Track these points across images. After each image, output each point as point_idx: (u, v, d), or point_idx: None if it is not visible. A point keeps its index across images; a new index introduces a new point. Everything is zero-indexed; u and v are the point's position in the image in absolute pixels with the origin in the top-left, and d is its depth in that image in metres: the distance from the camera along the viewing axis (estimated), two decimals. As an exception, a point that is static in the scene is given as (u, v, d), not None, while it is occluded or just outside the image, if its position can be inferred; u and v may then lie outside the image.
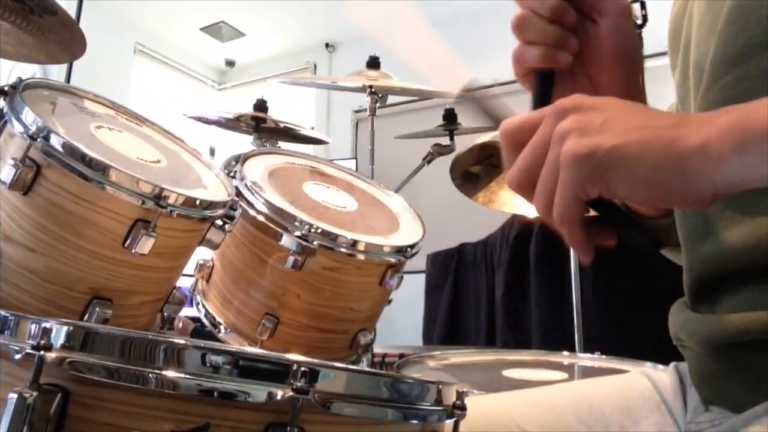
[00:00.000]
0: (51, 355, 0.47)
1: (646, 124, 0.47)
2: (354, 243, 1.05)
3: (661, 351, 0.80)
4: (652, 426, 0.65)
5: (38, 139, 0.83)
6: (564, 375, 1.36)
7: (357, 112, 4.53)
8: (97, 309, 0.87)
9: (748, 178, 0.43)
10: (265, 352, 0.62)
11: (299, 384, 0.47)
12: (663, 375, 0.70)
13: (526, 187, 0.51)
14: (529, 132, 0.51)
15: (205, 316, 1.14)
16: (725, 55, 0.56)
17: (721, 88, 0.56)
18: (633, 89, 0.64)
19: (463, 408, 0.57)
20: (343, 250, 1.05)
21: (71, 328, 0.48)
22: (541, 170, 0.50)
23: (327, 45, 4.86)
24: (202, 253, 1.09)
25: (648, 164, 0.45)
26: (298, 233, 1.03)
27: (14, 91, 0.88)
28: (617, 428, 0.66)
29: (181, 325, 1.66)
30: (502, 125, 0.54)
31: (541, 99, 0.61)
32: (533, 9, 0.60)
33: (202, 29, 4.78)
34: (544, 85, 0.62)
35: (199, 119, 2.48)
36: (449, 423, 0.58)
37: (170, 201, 0.87)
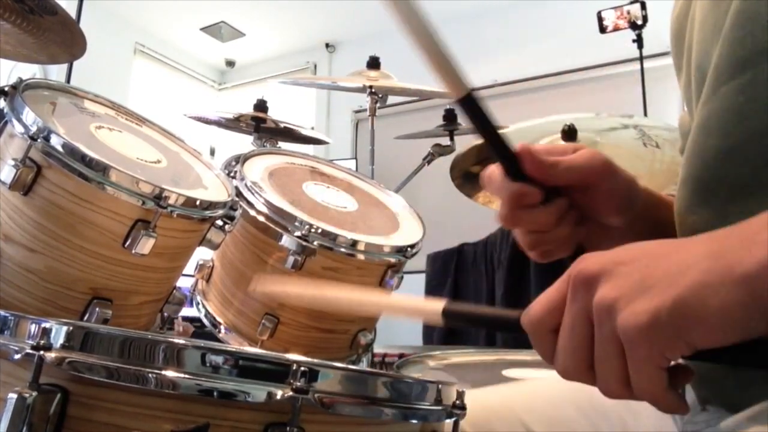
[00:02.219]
0: (51, 355, 0.47)
1: (685, 262, 0.42)
2: (354, 243, 1.05)
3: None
4: (652, 419, 0.65)
5: (38, 140, 0.83)
6: (564, 375, 1.36)
7: (357, 112, 4.54)
8: (97, 309, 0.87)
9: None
10: (264, 352, 0.62)
11: (299, 384, 0.47)
12: None
13: (584, 372, 0.46)
14: (555, 314, 0.47)
15: (205, 316, 1.14)
16: (731, 59, 0.55)
17: (727, 93, 0.55)
18: (642, 213, 0.64)
19: (462, 408, 0.57)
20: (343, 250, 1.05)
21: (71, 328, 0.48)
22: (596, 352, 0.44)
23: (327, 45, 4.86)
24: (202, 253, 1.09)
25: (717, 306, 0.40)
26: (298, 233, 1.03)
27: (14, 92, 0.88)
28: (617, 421, 0.66)
29: (181, 329, 1.66)
30: (524, 317, 0.49)
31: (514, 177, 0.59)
32: (505, 199, 0.59)
33: (202, 29, 4.78)
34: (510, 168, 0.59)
35: (199, 119, 2.48)
36: (449, 423, 0.58)
37: (170, 201, 0.88)
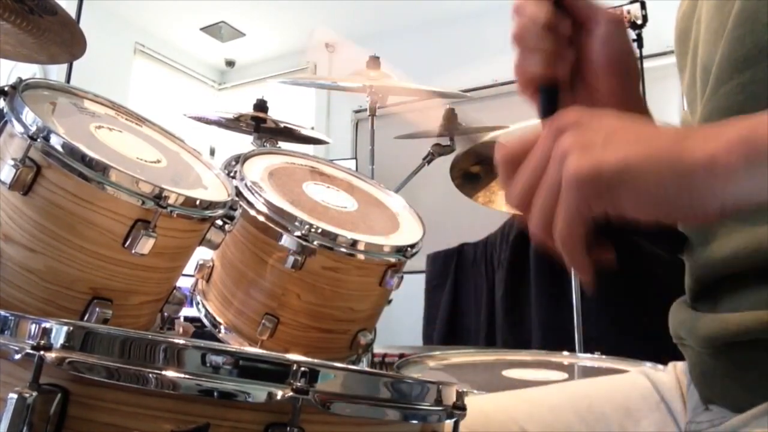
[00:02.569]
0: (51, 355, 0.47)
1: (649, 137, 0.45)
2: (354, 243, 1.05)
3: (661, 351, 0.80)
4: (652, 425, 0.65)
5: (38, 140, 0.83)
6: (564, 375, 1.36)
7: (357, 112, 4.54)
8: (97, 309, 0.87)
9: (756, 194, 0.41)
10: (265, 352, 0.62)
11: (299, 384, 0.47)
12: (662, 374, 0.71)
13: (525, 206, 0.50)
14: (527, 151, 0.50)
15: (205, 316, 1.14)
16: (732, 58, 0.55)
17: (727, 91, 0.55)
18: (631, 99, 0.63)
19: (462, 408, 0.57)
20: (343, 250, 1.05)
21: (71, 328, 0.48)
22: (539, 187, 0.48)
23: (327, 45, 4.86)
24: (202, 253, 1.09)
25: (653, 180, 0.43)
26: (298, 233, 1.03)
27: (14, 92, 0.88)
28: (617, 428, 0.66)
29: (181, 330, 1.66)
30: (499, 144, 0.53)
31: (547, 114, 0.60)
32: (530, 18, 0.60)
33: (202, 29, 4.78)
34: (549, 100, 0.60)
35: (199, 119, 2.48)
36: (449, 423, 0.58)
37: (170, 201, 0.87)
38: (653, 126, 0.49)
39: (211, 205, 0.95)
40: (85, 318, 0.87)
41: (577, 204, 0.45)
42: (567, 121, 0.49)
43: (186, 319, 1.92)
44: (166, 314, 1.04)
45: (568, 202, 0.46)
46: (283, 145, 2.36)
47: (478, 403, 0.69)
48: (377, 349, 1.86)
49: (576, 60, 0.62)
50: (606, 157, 0.44)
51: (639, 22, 2.87)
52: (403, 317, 2.47)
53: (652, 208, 0.44)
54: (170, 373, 0.46)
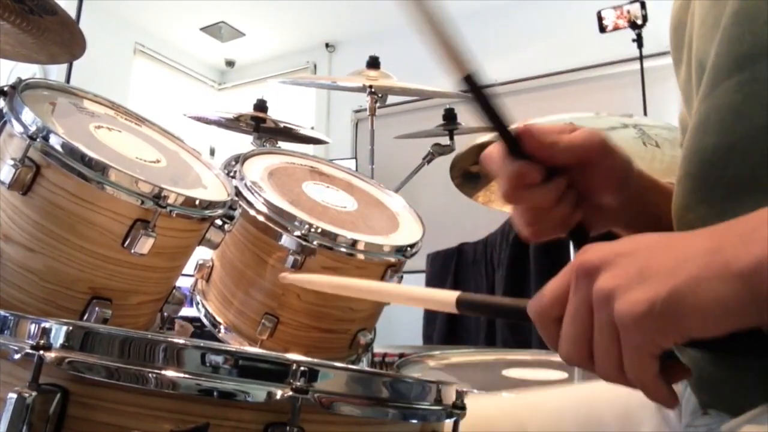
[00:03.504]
0: (50, 355, 0.47)
1: (684, 257, 0.44)
2: (354, 243, 1.05)
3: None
4: (653, 430, 0.65)
5: (38, 140, 0.83)
6: (564, 375, 1.36)
7: (357, 112, 4.54)
8: (97, 309, 0.87)
9: None
10: (264, 351, 0.62)
11: (299, 384, 0.47)
12: None
13: (584, 359, 0.48)
14: (559, 303, 0.48)
15: (205, 315, 1.14)
16: (729, 57, 0.55)
17: (726, 90, 0.55)
18: (636, 195, 0.64)
19: (462, 408, 0.57)
20: (342, 249, 1.05)
21: (71, 327, 0.48)
22: (595, 339, 0.46)
23: (327, 45, 4.86)
24: (201, 253, 1.09)
25: (711, 300, 0.41)
26: (297, 233, 1.03)
27: (14, 92, 0.88)
28: (618, 430, 0.66)
29: (179, 327, 1.66)
30: (530, 306, 0.50)
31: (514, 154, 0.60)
32: (505, 178, 0.60)
33: (202, 29, 4.78)
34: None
35: (199, 119, 2.48)
36: (449, 423, 0.58)
37: (170, 201, 0.87)
38: (679, 238, 0.47)
39: (210, 204, 0.95)
40: (85, 318, 0.87)
41: (642, 343, 0.44)
42: (591, 261, 0.47)
43: (186, 319, 1.92)
44: (165, 314, 1.04)
45: (633, 346, 0.44)
46: (283, 145, 2.36)
47: (478, 405, 0.69)
48: (377, 348, 1.86)
49: (573, 188, 0.62)
50: (654, 291, 0.43)
51: (639, 21, 2.87)
52: (403, 317, 2.47)
53: (719, 326, 0.42)
54: (170, 373, 0.46)
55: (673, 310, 0.42)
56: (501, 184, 0.61)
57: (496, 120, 0.59)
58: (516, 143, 0.59)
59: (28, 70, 2.85)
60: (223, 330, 1.11)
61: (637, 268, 0.44)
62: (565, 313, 0.48)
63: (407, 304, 0.61)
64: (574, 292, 0.47)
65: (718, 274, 0.42)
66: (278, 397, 0.47)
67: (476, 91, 0.58)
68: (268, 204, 1.05)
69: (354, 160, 4.25)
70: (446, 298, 0.56)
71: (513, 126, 0.59)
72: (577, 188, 0.62)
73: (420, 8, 0.58)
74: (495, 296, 0.56)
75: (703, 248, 0.43)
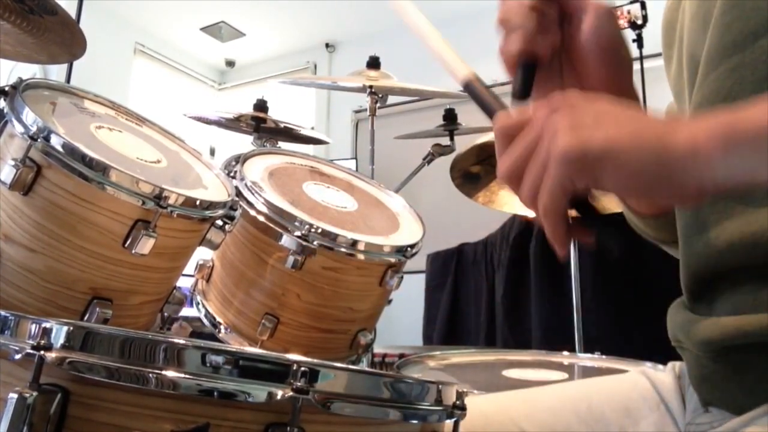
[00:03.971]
0: (51, 355, 0.47)
1: (636, 122, 0.48)
2: (354, 243, 1.05)
3: (661, 351, 0.80)
4: (652, 426, 0.65)
5: (38, 140, 0.83)
6: (564, 375, 1.36)
7: (357, 112, 4.54)
8: (97, 309, 0.87)
9: (734, 178, 0.44)
10: (265, 352, 0.62)
11: (299, 384, 0.47)
12: (662, 375, 0.70)
13: (515, 179, 0.53)
14: (523, 127, 0.53)
15: (205, 316, 1.14)
16: (720, 45, 0.56)
17: (716, 78, 0.56)
18: (624, 89, 0.64)
19: (463, 408, 0.57)
20: (343, 250, 1.05)
21: (71, 328, 0.48)
22: (529, 162, 0.51)
23: (327, 45, 4.86)
24: (202, 253, 1.09)
25: (636, 159, 0.46)
26: (298, 233, 1.03)
27: (14, 92, 0.88)
28: (617, 428, 0.66)
29: (180, 327, 1.66)
30: (497, 119, 0.56)
31: (522, 89, 0.63)
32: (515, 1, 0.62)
33: (202, 29, 4.78)
34: (526, 75, 0.63)
35: (199, 119, 2.48)
36: (449, 423, 0.58)
37: (170, 201, 0.87)
38: (643, 113, 0.51)
39: (211, 205, 0.95)
40: (85, 318, 0.87)
41: (561, 178, 0.48)
42: (561, 101, 0.51)
43: (186, 319, 1.92)
44: (166, 314, 1.04)
45: (553, 175, 0.49)
46: (283, 145, 2.36)
47: (477, 403, 0.69)
48: (377, 349, 1.86)
49: (566, 47, 0.63)
50: (593, 137, 0.47)
51: (639, 22, 2.87)
52: (403, 317, 2.47)
53: (633, 187, 0.48)
54: (170, 373, 0.46)
55: (599, 157, 0.47)
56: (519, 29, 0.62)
57: None
58: None
59: (29, 70, 2.85)
60: (223, 330, 1.11)
61: (591, 115, 0.49)
62: (519, 134, 0.53)
63: (428, 47, 0.66)
64: (534, 120, 0.52)
65: (652, 142, 0.46)
66: (279, 397, 0.47)
67: None
68: (269, 204, 1.05)
69: (354, 161, 4.25)
70: (458, 71, 0.64)
71: None
72: (571, 48, 0.64)
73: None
74: (493, 96, 0.61)
75: (656, 123, 0.48)
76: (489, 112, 0.61)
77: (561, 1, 0.62)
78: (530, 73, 0.63)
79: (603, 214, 0.53)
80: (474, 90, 0.63)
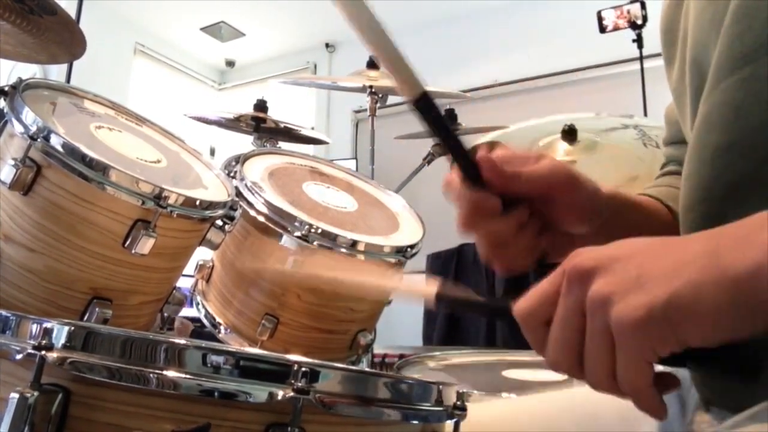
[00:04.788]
0: (52, 355, 0.47)
1: (681, 260, 0.43)
2: (354, 243, 1.05)
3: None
4: (653, 429, 0.65)
5: (38, 140, 0.83)
6: (564, 376, 1.36)
7: (357, 112, 4.54)
8: (97, 309, 0.87)
9: None
10: (265, 352, 0.62)
11: (300, 384, 0.47)
12: None
13: (573, 365, 0.47)
14: (548, 307, 0.47)
15: (205, 316, 1.14)
16: (730, 55, 0.55)
17: (726, 88, 0.55)
18: (610, 220, 0.63)
19: (463, 408, 0.57)
20: (342, 250, 1.05)
21: (72, 328, 0.48)
22: (587, 344, 0.45)
23: (327, 45, 4.86)
24: (202, 254, 1.09)
25: (709, 306, 0.41)
26: (298, 233, 1.03)
27: (14, 92, 0.88)
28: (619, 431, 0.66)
29: (180, 325, 1.66)
30: (516, 309, 0.50)
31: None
32: (463, 207, 0.59)
33: (202, 29, 4.78)
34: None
35: (199, 119, 2.48)
36: (449, 423, 0.58)
37: (170, 201, 0.88)
38: (675, 243, 0.46)
39: (211, 205, 0.95)
40: (85, 318, 0.87)
41: (640, 350, 0.43)
42: (584, 265, 0.45)
43: (186, 319, 1.91)
44: (166, 314, 1.04)
45: (629, 350, 0.43)
46: (283, 145, 2.36)
47: (477, 410, 0.69)
48: (377, 349, 1.86)
49: (537, 218, 0.61)
50: (652, 297, 0.42)
51: (639, 21, 2.87)
52: (403, 317, 2.47)
53: (717, 332, 0.42)
54: (171, 373, 0.46)
55: (671, 315, 0.41)
56: (459, 213, 0.60)
57: (452, 145, 0.56)
58: (475, 171, 0.57)
59: (28, 70, 2.84)
60: (223, 330, 1.11)
61: (634, 274, 0.43)
62: (555, 317, 0.47)
63: (382, 297, 0.61)
64: (566, 295, 0.46)
65: (716, 278, 0.41)
66: (279, 397, 0.47)
67: (429, 112, 0.57)
68: (269, 204, 1.05)
69: (354, 161, 4.25)
70: (426, 291, 0.55)
71: (471, 150, 0.57)
72: (542, 218, 0.61)
73: (365, 27, 0.54)
74: (477, 296, 0.55)
75: (701, 252, 0.43)
76: (492, 309, 0.55)
77: (494, 187, 0.58)
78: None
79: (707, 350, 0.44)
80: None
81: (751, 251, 0.41)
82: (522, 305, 0.49)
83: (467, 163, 0.57)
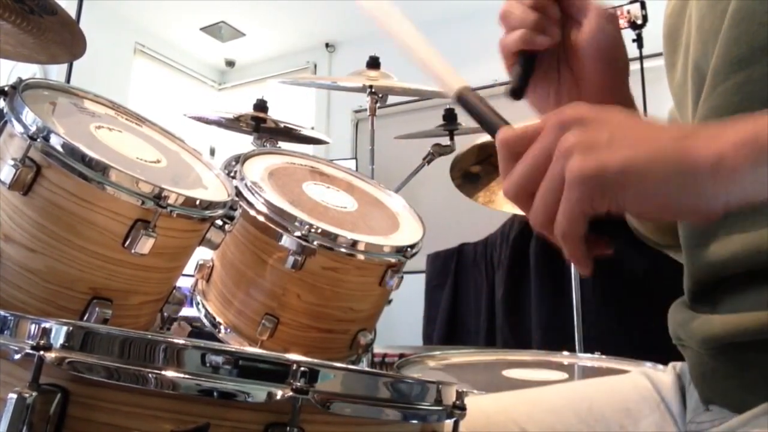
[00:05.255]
0: (50, 355, 0.47)
1: (653, 137, 0.46)
2: (354, 243, 1.05)
3: (661, 351, 0.80)
4: (652, 426, 0.65)
5: (38, 140, 0.83)
6: (564, 375, 1.36)
7: (357, 112, 4.54)
8: (97, 309, 0.87)
9: (759, 193, 0.42)
10: (264, 352, 0.62)
11: (299, 384, 0.47)
12: (662, 375, 0.71)
13: (523, 198, 0.51)
14: (528, 142, 0.50)
15: (205, 316, 1.14)
16: (728, 58, 0.55)
17: (723, 92, 0.55)
18: (618, 92, 0.64)
19: (462, 408, 0.57)
20: (342, 250, 1.05)
21: (71, 328, 0.48)
22: (542, 183, 0.49)
23: (327, 45, 4.86)
24: (202, 253, 1.09)
25: (658, 180, 0.44)
26: (298, 233, 1.03)
27: (14, 92, 0.88)
28: (617, 428, 0.66)
29: (178, 327, 1.66)
30: (500, 133, 0.53)
31: (519, 85, 0.62)
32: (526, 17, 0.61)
33: (202, 29, 4.78)
34: (524, 72, 0.62)
35: (199, 119, 2.48)
36: (449, 423, 0.58)
37: (170, 201, 0.87)
38: (657, 124, 0.49)
39: (211, 205, 0.95)
40: (85, 318, 0.87)
41: (579, 202, 0.46)
42: (571, 116, 0.49)
43: (186, 319, 1.92)
44: (166, 314, 1.04)
45: (570, 199, 0.46)
46: (283, 145, 2.36)
47: (477, 403, 0.69)
48: (377, 349, 1.86)
49: (565, 48, 0.63)
50: (610, 158, 0.45)
51: (639, 22, 2.87)
52: (403, 317, 2.47)
53: (656, 207, 0.45)
54: (170, 373, 0.46)
55: (618, 179, 0.45)
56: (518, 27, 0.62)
57: None
58: None
59: (28, 70, 2.85)
60: (223, 330, 1.11)
61: (605, 135, 0.46)
62: (526, 152, 0.50)
63: (419, 65, 0.65)
64: (542, 137, 0.49)
65: (674, 159, 0.44)
66: (278, 397, 0.47)
67: None
68: (269, 204, 1.05)
69: (354, 161, 4.25)
70: (450, 84, 0.61)
71: None
72: (569, 48, 0.63)
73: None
74: (488, 111, 0.59)
75: (673, 136, 0.46)
76: (487, 125, 0.59)
77: (562, 2, 0.62)
78: (528, 69, 0.62)
79: (620, 226, 0.51)
80: (469, 103, 0.60)
81: (718, 143, 0.43)
82: (504, 134, 0.53)
83: None
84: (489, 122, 0.58)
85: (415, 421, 0.56)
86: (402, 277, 1.13)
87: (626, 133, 0.47)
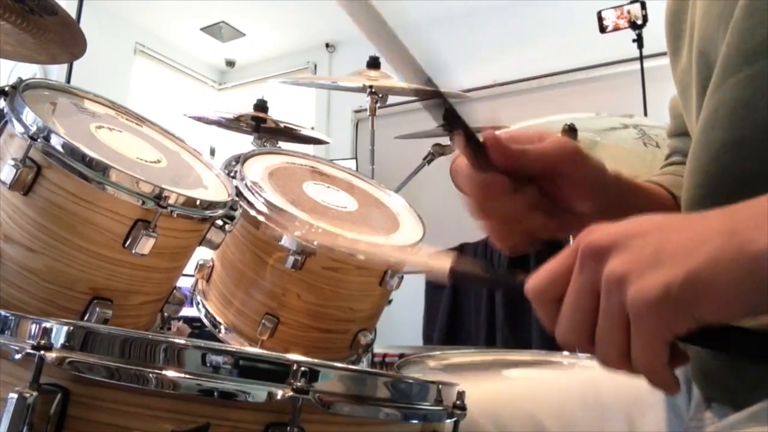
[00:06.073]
0: (51, 355, 0.47)
1: (700, 239, 0.42)
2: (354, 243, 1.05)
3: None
4: (659, 417, 0.65)
5: (38, 140, 0.83)
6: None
7: (357, 112, 4.53)
8: (97, 309, 0.87)
9: None
10: (265, 352, 0.62)
11: (299, 384, 0.47)
12: None
13: (584, 342, 0.46)
14: (561, 284, 0.47)
15: (205, 316, 1.14)
16: (741, 49, 0.54)
17: (735, 83, 0.54)
18: (619, 201, 0.63)
19: (463, 408, 0.57)
20: (342, 249, 1.05)
21: (71, 328, 0.48)
22: (600, 323, 0.45)
23: (327, 45, 4.86)
24: (202, 253, 1.09)
25: (726, 283, 0.41)
26: (298, 233, 1.03)
27: (15, 92, 0.88)
28: (625, 414, 0.66)
29: (176, 329, 1.66)
30: (528, 285, 0.50)
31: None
32: (472, 191, 0.59)
33: (202, 29, 4.77)
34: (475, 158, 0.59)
35: (199, 119, 2.48)
36: (449, 423, 0.58)
37: (170, 201, 0.88)
38: (692, 220, 0.45)
39: (211, 205, 0.95)
40: (85, 318, 0.87)
41: (656, 329, 0.42)
42: (601, 242, 0.45)
43: (186, 319, 1.91)
44: (166, 314, 1.04)
45: (646, 331, 0.42)
46: (283, 145, 2.36)
47: (486, 388, 0.68)
48: (377, 349, 1.86)
49: (545, 197, 0.60)
50: (670, 274, 0.41)
51: (639, 21, 2.87)
52: (403, 317, 2.47)
53: (734, 310, 0.42)
54: (170, 373, 0.46)
55: (689, 294, 0.41)
56: (469, 198, 0.60)
57: (461, 128, 0.56)
58: (482, 153, 0.57)
59: (29, 70, 2.84)
60: (223, 330, 1.11)
61: (650, 251, 0.42)
62: (567, 294, 0.46)
63: (399, 266, 0.61)
64: (579, 272, 0.45)
65: (734, 255, 0.40)
66: (279, 397, 0.47)
67: (439, 97, 0.57)
68: (269, 204, 1.05)
69: (354, 161, 4.25)
70: (440, 267, 0.55)
71: (478, 134, 0.57)
72: (550, 197, 0.61)
73: (366, 20, 0.57)
74: (492, 269, 0.55)
75: (718, 229, 0.42)
76: (499, 284, 0.57)
77: (514, 171, 0.58)
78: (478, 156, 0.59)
79: (705, 335, 0.44)
80: (468, 272, 0.56)
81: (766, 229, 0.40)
82: (534, 282, 0.49)
83: (475, 145, 0.56)
84: (500, 281, 0.56)
85: (415, 421, 0.56)
86: (402, 277, 1.13)
87: (670, 242, 0.43)
